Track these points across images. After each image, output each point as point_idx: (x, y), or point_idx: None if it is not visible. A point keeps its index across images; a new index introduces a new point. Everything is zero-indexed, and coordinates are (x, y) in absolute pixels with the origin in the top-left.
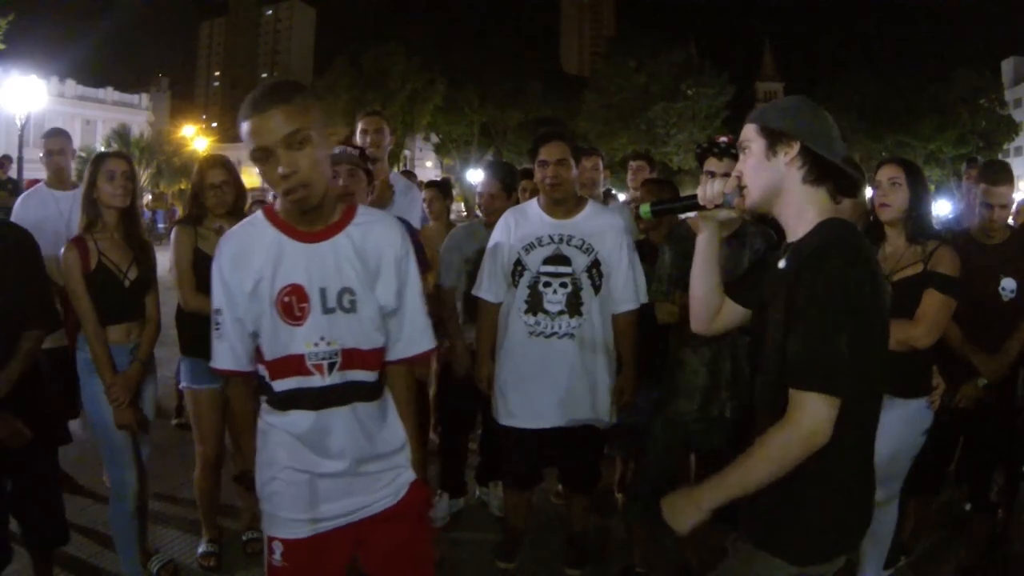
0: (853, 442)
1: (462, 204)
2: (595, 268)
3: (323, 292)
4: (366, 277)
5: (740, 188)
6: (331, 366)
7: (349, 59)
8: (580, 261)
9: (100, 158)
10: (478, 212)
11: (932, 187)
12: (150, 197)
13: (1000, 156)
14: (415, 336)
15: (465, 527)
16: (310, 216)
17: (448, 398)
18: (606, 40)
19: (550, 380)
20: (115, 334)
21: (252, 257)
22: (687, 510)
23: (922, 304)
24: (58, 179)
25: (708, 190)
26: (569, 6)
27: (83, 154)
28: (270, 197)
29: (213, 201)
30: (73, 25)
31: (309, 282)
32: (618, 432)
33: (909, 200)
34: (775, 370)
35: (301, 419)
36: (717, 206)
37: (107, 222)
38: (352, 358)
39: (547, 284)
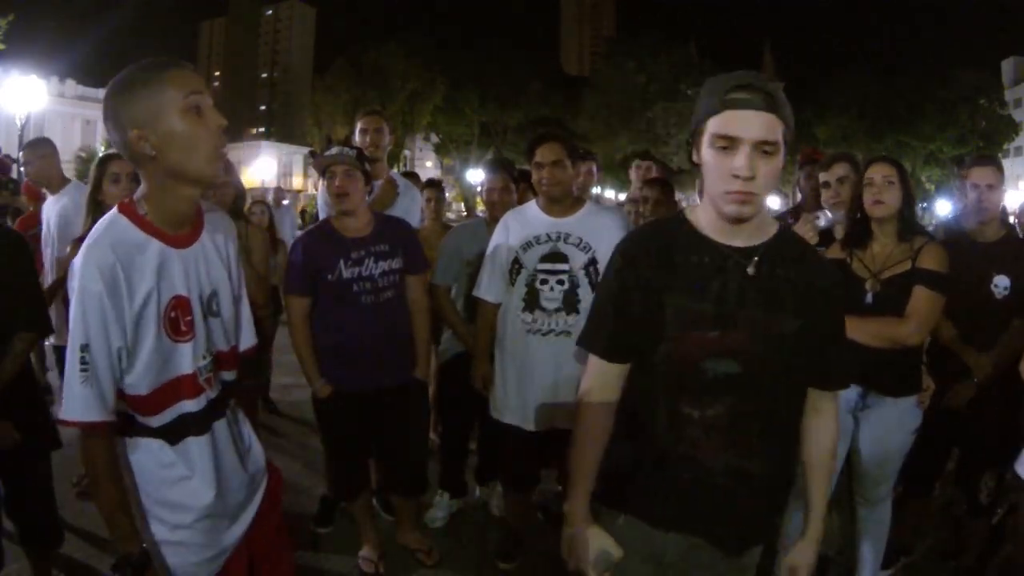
0: None
1: (462, 204)
2: (592, 266)
3: (201, 299)
4: (224, 275)
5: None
6: (210, 378)
7: (349, 59)
8: (578, 259)
9: (106, 160)
10: (479, 212)
11: (932, 187)
12: None
13: (1000, 156)
14: (249, 328)
15: (465, 527)
16: (181, 217)
17: (448, 398)
18: (606, 40)
19: (547, 377)
20: None
21: (136, 271)
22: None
23: (911, 301)
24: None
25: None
26: (569, 6)
27: (83, 154)
28: (269, 197)
29: (212, 201)
30: (73, 25)
31: (189, 291)
32: None
33: (901, 199)
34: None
35: (196, 446)
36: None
37: None
38: (220, 360)
39: (544, 281)
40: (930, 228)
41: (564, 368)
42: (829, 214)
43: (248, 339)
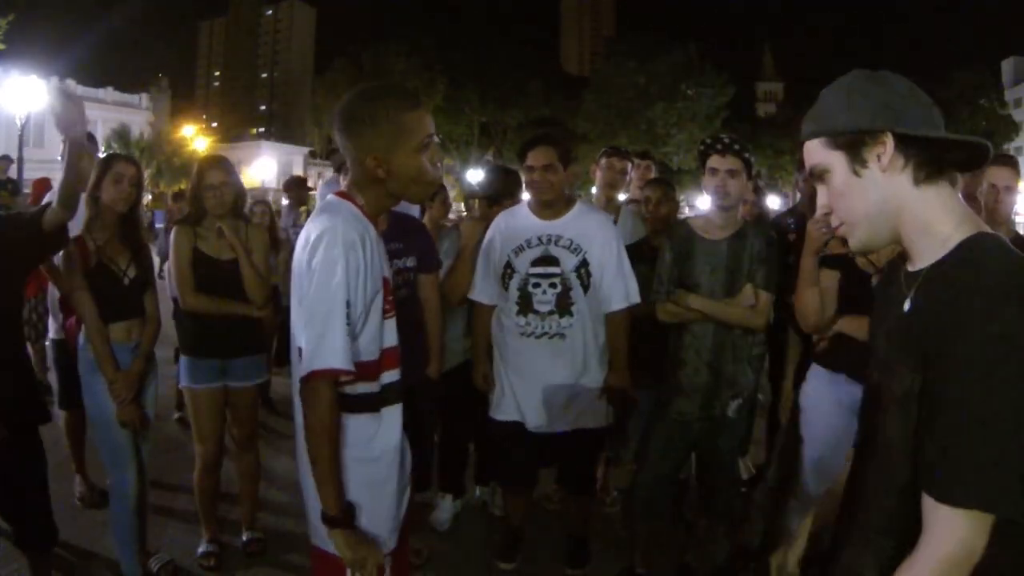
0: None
1: (462, 204)
2: (584, 268)
3: (389, 287)
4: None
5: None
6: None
7: (349, 59)
8: (569, 261)
9: (111, 159)
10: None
11: None
12: (150, 197)
13: None
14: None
15: (465, 527)
16: (381, 213)
17: (448, 400)
18: (606, 40)
19: (543, 380)
20: (116, 332)
21: (369, 247)
22: None
23: None
24: None
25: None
26: (569, 6)
27: None
28: (269, 197)
29: (212, 202)
30: (73, 25)
31: (388, 275)
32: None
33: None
34: (898, 463)
35: (393, 412)
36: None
37: (107, 221)
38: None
39: (536, 285)
40: None
41: (558, 370)
42: None
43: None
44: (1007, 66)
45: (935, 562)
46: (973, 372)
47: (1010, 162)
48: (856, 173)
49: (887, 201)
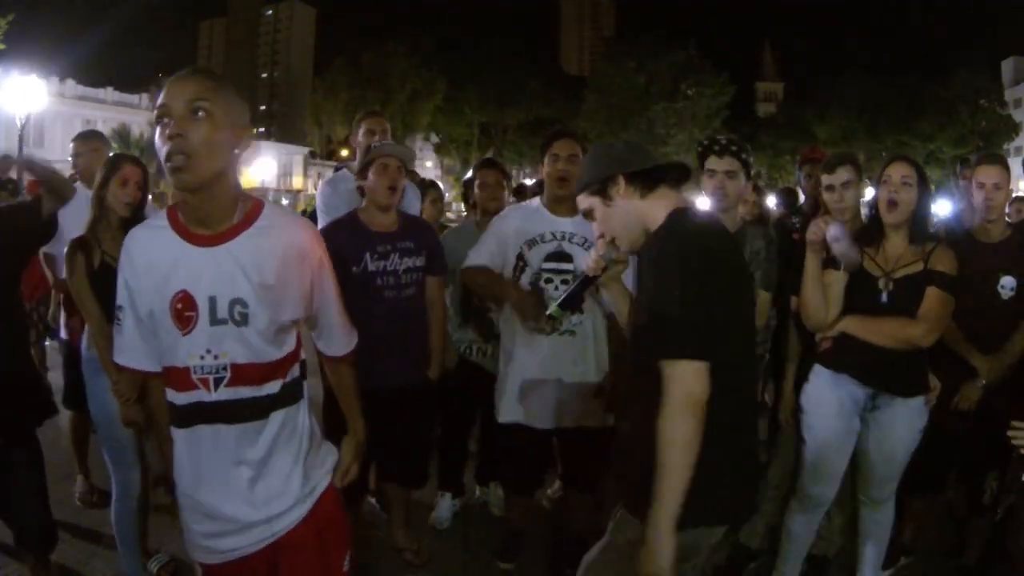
0: (715, 406)
1: (463, 204)
2: None
3: (212, 301)
4: (262, 286)
5: (612, 242)
6: (217, 381)
7: (349, 59)
8: (582, 259)
9: (118, 160)
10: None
11: (932, 187)
12: (150, 197)
13: None
14: (334, 341)
15: (465, 527)
16: (205, 216)
17: (447, 397)
18: (606, 40)
19: (552, 377)
20: None
21: (152, 260)
22: (660, 552)
23: (925, 302)
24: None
25: (589, 261)
26: (569, 6)
27: None
28: (269, 198)
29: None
30: (73, 25)
31: (198, 290)
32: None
33: (916, 200)
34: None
35: (198, 435)
36: (605, 269)
37: (111, 222)
38: (243, 374)
39: (548, 280)
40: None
41: (567, 367)
42: (837, 234)
43: (330, 348)
44: (1007, 66)
45: (672, 405)
46: (649, 280)
47: (997, 161)
48: (607, 205)
49: (630, 214)
